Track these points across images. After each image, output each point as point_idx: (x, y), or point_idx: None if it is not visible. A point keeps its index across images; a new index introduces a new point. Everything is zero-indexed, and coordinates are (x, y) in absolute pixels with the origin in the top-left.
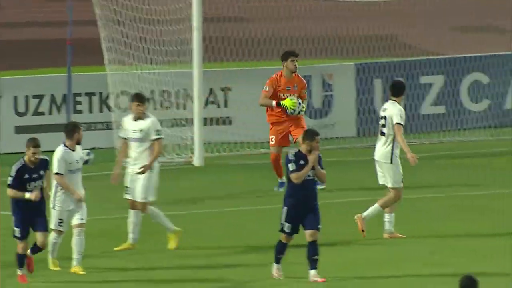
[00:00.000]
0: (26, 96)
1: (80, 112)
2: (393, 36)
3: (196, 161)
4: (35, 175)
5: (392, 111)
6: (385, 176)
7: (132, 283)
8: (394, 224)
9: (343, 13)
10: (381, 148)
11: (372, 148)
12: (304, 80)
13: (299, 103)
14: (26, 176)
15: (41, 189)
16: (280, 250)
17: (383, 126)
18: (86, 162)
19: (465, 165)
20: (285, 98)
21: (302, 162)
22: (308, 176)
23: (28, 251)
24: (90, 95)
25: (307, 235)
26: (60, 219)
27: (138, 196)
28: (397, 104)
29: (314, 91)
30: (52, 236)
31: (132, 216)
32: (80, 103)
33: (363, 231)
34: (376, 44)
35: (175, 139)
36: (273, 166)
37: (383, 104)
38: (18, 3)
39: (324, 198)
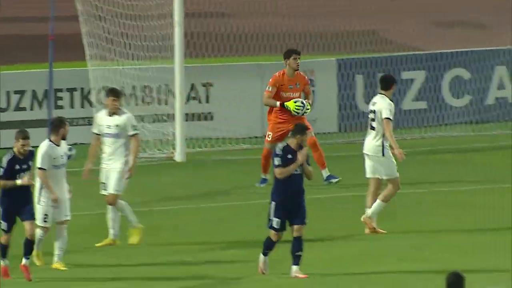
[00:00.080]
0: (8, 92)
1: (61, 107)
2: (374, 31)
3: (178, 156)
4: (24, 166)
5: (382, 105)
6: (379, 169)
7: (113, 279)
8: (377, 220)
9: (325, 9)
10: (371, 142)
11: (354, 143)
12: (306, 77)
13: (303, 105)
14: (17, 167)
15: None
16: (268, 246)
17: (373, 120)
18: (68, 157)
19: (446, 161)
20: (288, 97)
21: (289, 156)
22: (296, 171)
23: (23, 261)
24: (71, 90)
25: (293, 230)
26: (45, 215)
27: (111, 188)
28: (387, 98)
29: None
30: (38, 233)
31: (110, 212)
32: (61, 98)
33: (375, 229)
34: (357, 40)
35: (157, 135)
36: (262, 162)
37: (365, 100)
38: None
39: (306, 193)
